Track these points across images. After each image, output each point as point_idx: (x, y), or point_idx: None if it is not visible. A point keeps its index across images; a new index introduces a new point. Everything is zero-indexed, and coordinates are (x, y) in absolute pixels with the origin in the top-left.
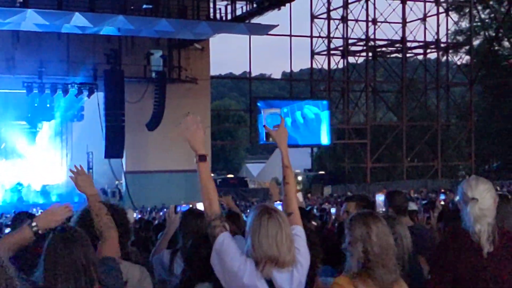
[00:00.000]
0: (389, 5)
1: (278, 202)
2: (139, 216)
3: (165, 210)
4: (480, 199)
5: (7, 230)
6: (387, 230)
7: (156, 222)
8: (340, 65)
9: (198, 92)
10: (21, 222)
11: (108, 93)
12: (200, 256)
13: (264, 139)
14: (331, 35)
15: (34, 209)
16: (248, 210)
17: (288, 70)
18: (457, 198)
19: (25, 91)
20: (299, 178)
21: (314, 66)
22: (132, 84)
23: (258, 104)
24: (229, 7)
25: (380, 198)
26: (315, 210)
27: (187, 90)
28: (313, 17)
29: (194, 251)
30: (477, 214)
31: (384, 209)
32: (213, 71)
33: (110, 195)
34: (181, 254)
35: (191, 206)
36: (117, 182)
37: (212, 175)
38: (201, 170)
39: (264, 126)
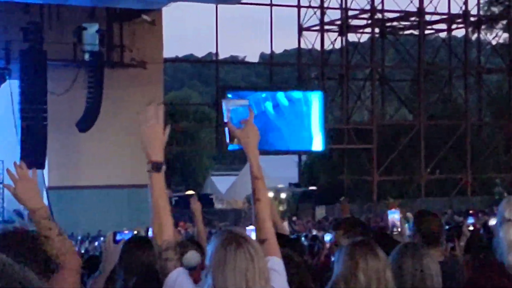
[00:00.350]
0: None
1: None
2: None
3: (101, 239)
4: None
5: None
6: (384, 264)
7: (90, 254)
8: (338, 45)
9: (147, 80)
10: None
11: (25, 81)
12: None
13: (228, 140)
14: (325, 5)
15: None
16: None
17: (268, 51)
18: (493, 221)
19: None
20: (283, 195)
21: (303, 45)
22: (58, 70)
23: (229, 96)
24: None
25: (394, 215)
26: (303, 239)
27: (132, 77)
28: None
29: None
30: None
31: (398, 230)
32: (168, 53)
33: (27, 218)
34: None
35: (135, 232)
36: None
37: (166, 191)
38: (154, 183)
39: (226, 123)
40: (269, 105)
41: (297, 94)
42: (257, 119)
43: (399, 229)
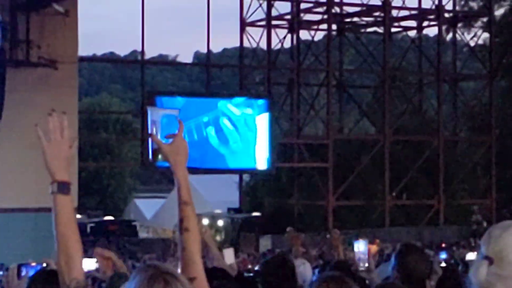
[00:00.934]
0: None
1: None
2: None
3: (1, 273)
4: (499, 258)
5: None
6: None
7: None
8: (287, 44)
9: (58, 83)
10: None
11: None
12: None
13: (151, 157)
14: None
15: None
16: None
17: (204, 50)
18: (471, 256)
19: None
20: (220, 222)
21: (246, 44)
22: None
23: (156, 102)
24: None
25: (361, 247)
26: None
27: (40, 78)
28: None
29: None
30: (485, 281)
31: (366, 265)
32: (83, 50)
33: None
34: None
35: (44, 265)
36: None
37: (79, 216)
38: (59, 207)
39: (150, 135)
40: (211, 131)
41: (239, 102)
42: (197, 145)
43: (365, 264)
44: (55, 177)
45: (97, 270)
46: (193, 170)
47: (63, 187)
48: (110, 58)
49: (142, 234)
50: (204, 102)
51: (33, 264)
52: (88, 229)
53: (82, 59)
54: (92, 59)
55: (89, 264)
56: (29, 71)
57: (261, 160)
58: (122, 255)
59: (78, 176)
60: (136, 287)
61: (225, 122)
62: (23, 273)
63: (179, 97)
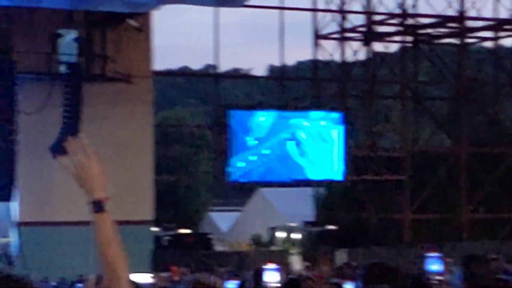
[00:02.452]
0: None
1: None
2: None
3: (80, 285)
4: None
5: None
6: None
7: None
8: (361, 56)
9: (134, 97)
10: None
11: None
12: None
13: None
14: (346, 8)
15: None
16: None
17: (277, 63)
18: None
19: None
20: (296, 236)
21: (320, 57)
22: (29, 84)
23: (231, 116)
24: None
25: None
26: None
27: (116, 93)
28: None
29: None
30: None
31: (441, 278)
32: (158, 64)
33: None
34: None
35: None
36: (4, 239)
37: (155, 229)
38: (100, 226)
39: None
40: (290, 144)
41: (315, 116)
42: (280, 160)
43: (442, 278)
44: (89, 197)
45: (153, 285)
46: (279, 184)
47: (97, 206)
48: (184, 72)
49: (218, 247)
50: (280, 116)
51: None
52: (164, 242)
53: (157, 73)
54: (167, 73)
55: (145, 278)
56: (105, 85)
57: (336, 172)
58: (198, 268)
59: (155, 189)
60: None
61: (302, 135)
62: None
63: (252, 110)
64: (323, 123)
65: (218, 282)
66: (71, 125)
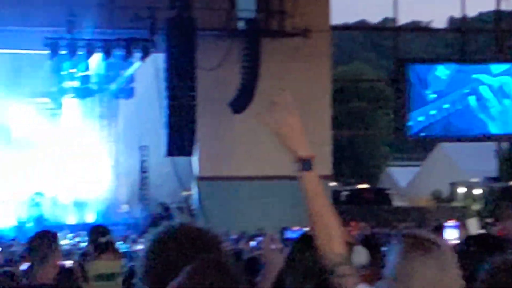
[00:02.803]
0: None
1: None
2: None
3: (259, 238)
4: None
5: (24, 266)
6: None
7: (249, 256)
8: None
9: (311, 52)
10: (41, 249)
11: (171, 55)
12: None
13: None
14: None
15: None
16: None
17: (459, 15)
18: None
19: (47, 51)
20: (477, 191)
21: (503, 7)
22: (209, 41)
23: (410, 70)
24: None
25: None
26: None
27: (294, 48)
28: None
29: None
30: None
31: None
32: (336, 19)
33: (174, 212)
34: None
35: (307, 230)
36: (185, 193)
37: (334, 184)
38: (307, 185)
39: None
40: (471, 99)
41: (496, 69)
42: (462, 115)
43: None
44: (297, 155)
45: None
46: (460, 139)
47: (306, 164)
48: (362, 26)
49: (397, 203)
50: (460, 69)
51: (296, 228)
52: (343, 197)
53: (334, 27)
54: (344, 27)
55: None
56: (283, 41)
57: None
58: (375, 221)
59: (332, 145)
60: (396, 256)
61: (483, 89)
62: (287, 236)
63: (432, 64)
64: (505, 76)
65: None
66: (249, 82)
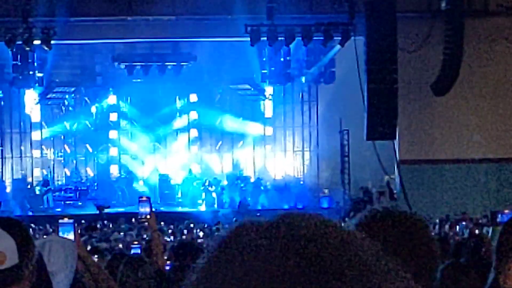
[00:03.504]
0: None
1: None
2: None
3: (463, 223)
4: None
5: None
6: None
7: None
8: None
9: None
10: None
11: (372, 38)
12: None
13: None
14: None
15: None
16: None
17: None
18: None
19: (248, 38)
20: None
21: None
22: (409, 22)
23: None
24: None
25: None
26: None
27: (496, 28)
28: None
29: None
30: None
31: None
32: None
33: (375, 196)
34: None
35: None
36: (386, 177)
37: None
38: None
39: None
40: None
41: None
42: None
43: None
44: None
45: None
46: None
47: None
48: None
49: None
50: None
51: (507, 211)
52: None
53: None
54: None
55: None
56: (486, 21)
57: None
58: None
59: None
60: None
61: None
62: (500, 219)
63: None
64: None
65: None
66: (451, 63)
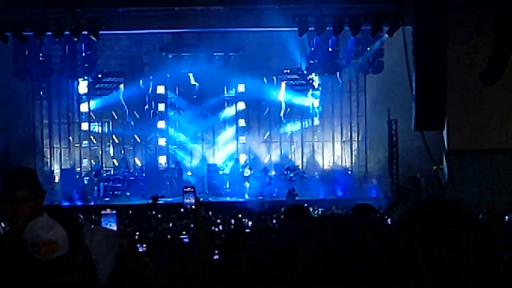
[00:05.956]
0: None
1: None
2: None
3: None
4: None
5: None
6: None
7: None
8: None
9: None
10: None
11: (421, 28)
12: None
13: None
14: None
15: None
16: None
17: None
18: None
19: (296, 28)
20: None
21: None
22: (459, 11)
23: None
24: None
25: None
26: None
27: None
28: None
29: None
30: None
31: None
32: None
33: (424, 185)
34: None
35: None
36: (435, 166)
37: None
38: None
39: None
40: None
41: None
42: None
43: None
44: None
45: None
46: None
47: None
48: None
49: None
50: None
51: None
52: None
53: None
54: None
55: None
56: None
57: None
58: None
59: None
60: None
61: None
62: None
63: None
64: None
65: None
66: (501, 52)
